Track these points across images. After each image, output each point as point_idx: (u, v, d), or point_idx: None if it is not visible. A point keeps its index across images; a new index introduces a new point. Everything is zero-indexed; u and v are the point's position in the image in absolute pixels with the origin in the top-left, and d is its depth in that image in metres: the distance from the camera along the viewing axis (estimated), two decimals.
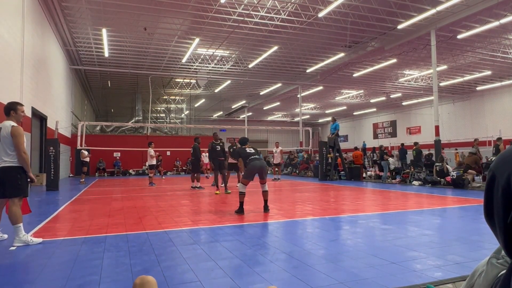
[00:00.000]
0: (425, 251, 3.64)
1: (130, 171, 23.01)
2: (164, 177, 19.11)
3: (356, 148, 17.84)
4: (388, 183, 13.85)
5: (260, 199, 6.89)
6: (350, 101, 30.61)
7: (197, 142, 11.60)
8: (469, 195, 9.05)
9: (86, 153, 15.02)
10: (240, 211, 6.25)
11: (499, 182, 0.83)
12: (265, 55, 18.01)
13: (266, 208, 6.45)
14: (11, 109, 4.19)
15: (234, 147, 10.85)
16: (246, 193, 6.44)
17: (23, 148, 4.10)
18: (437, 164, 12.43)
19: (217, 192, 10.03)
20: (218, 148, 10.62)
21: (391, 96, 27.92)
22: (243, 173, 6.46)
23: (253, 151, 6.50)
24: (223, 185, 10.41)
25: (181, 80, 24.46)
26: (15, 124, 4.13)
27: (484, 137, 21.17)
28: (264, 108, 32.88)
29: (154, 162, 13.91)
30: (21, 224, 4.03)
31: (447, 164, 12.71)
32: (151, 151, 13.43)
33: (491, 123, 23.87)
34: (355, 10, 13.09)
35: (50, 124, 14.01)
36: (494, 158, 12.81)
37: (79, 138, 14.39)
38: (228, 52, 18.32)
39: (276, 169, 16.79)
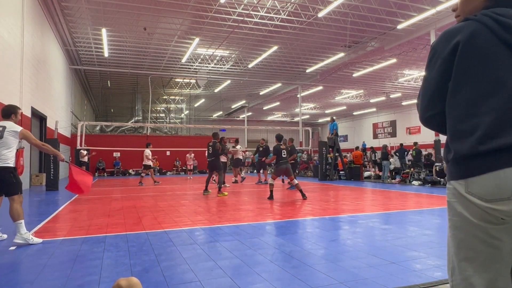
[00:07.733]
0: (425, 251, 3.64)
1: (130, 171, 22.99)
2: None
3: (356, 148, 17.85)
4: (388, 183, 13.86)
5: (262, 198, 6.88)
6: (350, 101, 30.60)
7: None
8: None
9: (84, 152, 14.97)
10: (271, 197, 7.97)
11: (440, 55, 1.12)
12: (265, 55, 18.00)
13: (303, 195, 8.04)
14: (13, 112, 4.36)
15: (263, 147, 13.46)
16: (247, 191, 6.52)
17: (39, 141, 4.42)
18: (437, 164, 12.44)
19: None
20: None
21: (391, 96, 27.91)
22: (273, 170, 8.03)
23: (285, 155, 8.12)
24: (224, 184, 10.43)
25: (181, 80, 24.45)
26: (20, 127, 4.31)
27: None
28: (264, 108, 32.86)
29: (150, 163, 13.76)
30: (22, 221, 4.06)
31: None
32: (148, 151, 13.43)
33: None
34: (355, 10, 13.09)
35: (50, 124, 14.00)
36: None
37: (78, 138, 14.37)
38: (228, 52, 18.32)
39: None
